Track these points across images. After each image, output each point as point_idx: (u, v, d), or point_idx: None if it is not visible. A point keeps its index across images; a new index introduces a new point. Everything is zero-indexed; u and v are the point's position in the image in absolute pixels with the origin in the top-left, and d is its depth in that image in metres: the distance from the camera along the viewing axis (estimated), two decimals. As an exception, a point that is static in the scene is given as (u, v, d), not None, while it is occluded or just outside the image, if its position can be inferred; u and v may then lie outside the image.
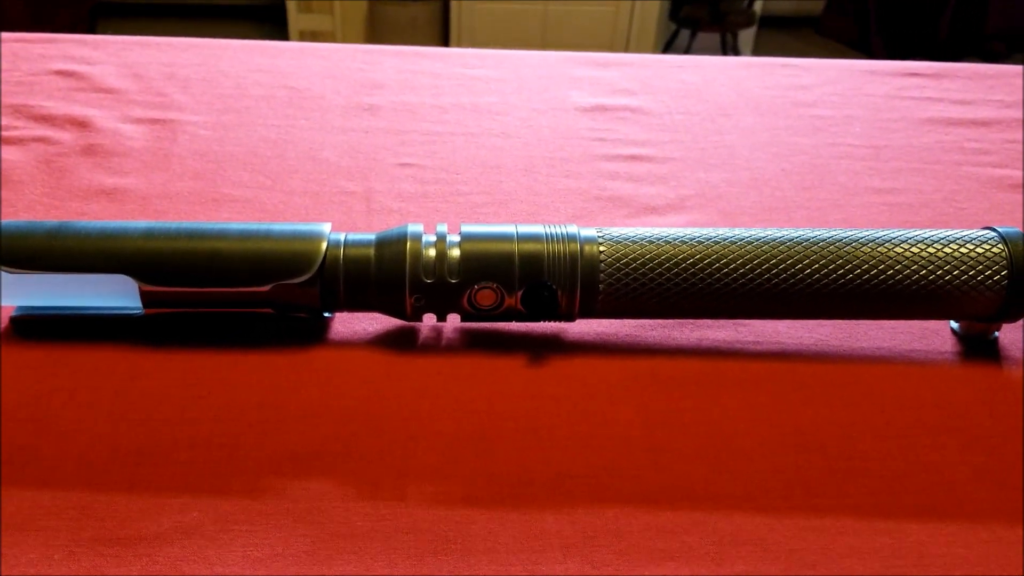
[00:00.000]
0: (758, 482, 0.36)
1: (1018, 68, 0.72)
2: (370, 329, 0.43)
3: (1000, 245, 0.40)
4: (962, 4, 2.15)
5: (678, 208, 0.54)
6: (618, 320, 0.43)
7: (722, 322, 0.44)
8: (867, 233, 0.41)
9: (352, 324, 0.43)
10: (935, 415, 0.39)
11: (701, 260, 0.39)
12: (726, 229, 0.41)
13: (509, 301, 0.39)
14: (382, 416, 0.38)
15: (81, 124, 0.59)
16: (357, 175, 0.55)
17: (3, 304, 0.41)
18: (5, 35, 0.68)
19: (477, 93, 0.66)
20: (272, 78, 0.66)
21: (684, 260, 0.39)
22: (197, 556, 0.32)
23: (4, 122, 0.58)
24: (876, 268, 0.39)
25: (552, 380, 0.40)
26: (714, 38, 2.26)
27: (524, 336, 0.43)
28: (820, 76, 0.70)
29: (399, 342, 0.42)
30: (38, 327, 0.42)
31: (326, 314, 0.42)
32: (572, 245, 0.39)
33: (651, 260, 0.39)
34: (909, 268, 0.39)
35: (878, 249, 0.40)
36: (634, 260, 0.39)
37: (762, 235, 0.40)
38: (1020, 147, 0.61)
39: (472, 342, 0.42)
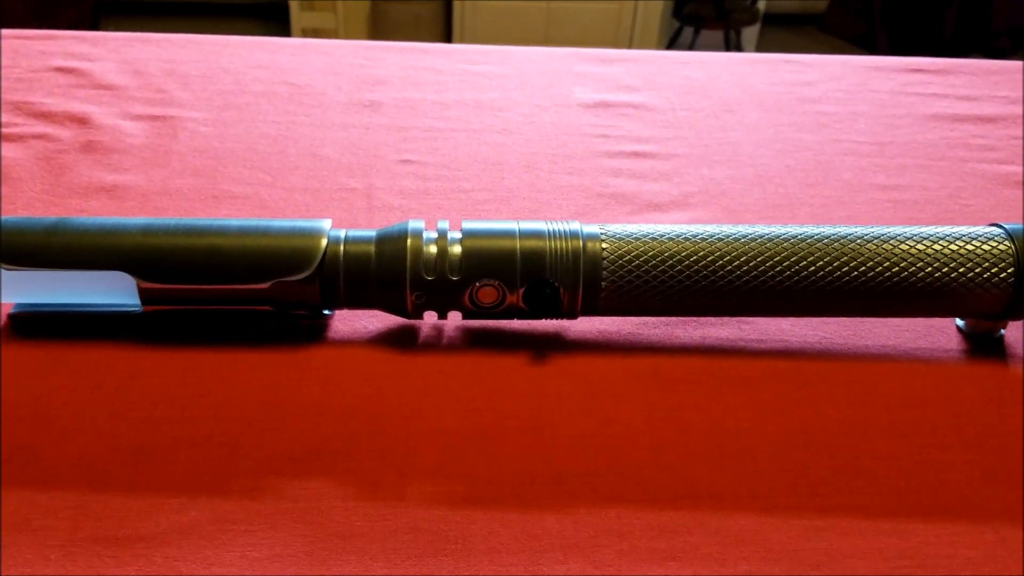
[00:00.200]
0: (761, 481, 0.35)
1: (1023, 64, 0.72)
2: (370, 327, 0.42)
3: (1007, 242, 0.40)
4: (967, 0, 2.14)
5: (681, 205, 0.53)
6: (621, 318, 0.43)
7: (725, 320, 0.43)
8: (872, 230, 0.40)
9: (352, 322, 0.43)
10: (940, 413, 0.39)
11: (704, 257, 0.39)
12: (730, 226, 0.41)
13: (511, 298, 0.39)
14: (382, 415, 0.37)
15: (81, 121, 0.58)
16: (358, 171, 0.55)
17: (1, 301, 0.41)
18: (5, 32, 0.68)
19: (479, 89, 0.65)
20: (272, 74, 0.66)
21: (687, 257, 0.39)
22: (195, 556, 0.31)
23: (4, 119, 0.58)
24: (881, 265, 0.39)
25: (554, 378, 0.40)
26: (717, 35, 2.25)
27: (526, 334, 0.42)
28: (824, 72, 0.69)
29: (399, 340, 0.42)
30: (36, 324, 0.41)
31: (326, 311, 0.42)
32: (574, 242, 0.39)
33: (654, 257, 0.39)
34: (914, 265, 0.39)
35: (883, 246, 0.39)
36: (637, 257, 0.39)
37: (766, 232, 0.40)
38: (1026, 143, 0.61)
39: (473, 340, 0.42)
